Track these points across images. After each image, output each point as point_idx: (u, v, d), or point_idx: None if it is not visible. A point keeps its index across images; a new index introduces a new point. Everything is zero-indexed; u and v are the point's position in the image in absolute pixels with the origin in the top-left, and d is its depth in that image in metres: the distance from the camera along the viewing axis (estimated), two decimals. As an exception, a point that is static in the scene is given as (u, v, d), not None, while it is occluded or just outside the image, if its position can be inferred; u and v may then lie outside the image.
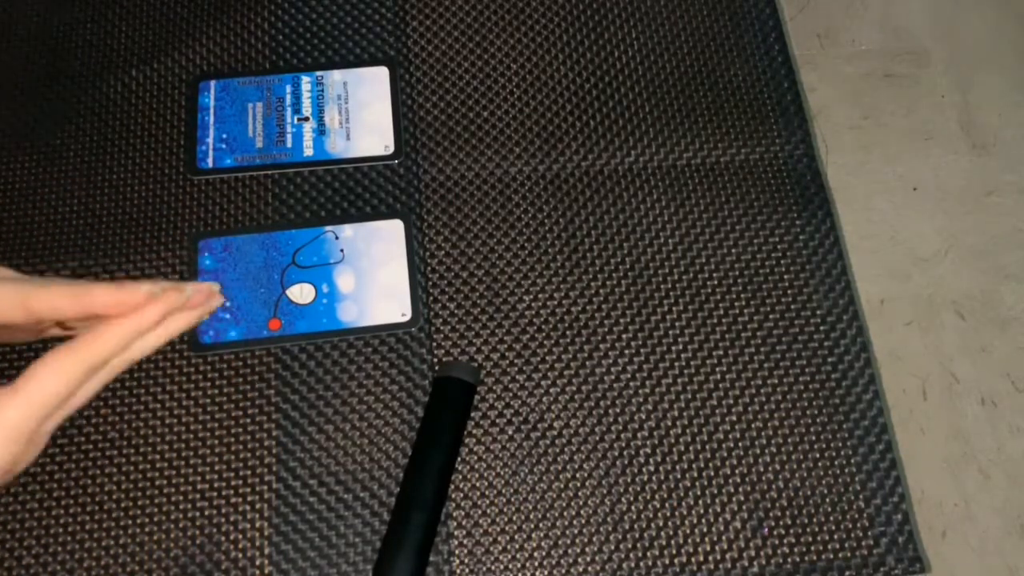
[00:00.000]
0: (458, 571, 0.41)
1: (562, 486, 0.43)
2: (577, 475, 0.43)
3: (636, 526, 0.42)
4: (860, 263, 1.09)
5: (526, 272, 0.47)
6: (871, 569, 0.41)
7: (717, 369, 0.45)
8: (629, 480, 0.43)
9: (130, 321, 0.30)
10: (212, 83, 0.51)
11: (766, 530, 0.42)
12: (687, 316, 0.46)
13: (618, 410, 0.44)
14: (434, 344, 0.45)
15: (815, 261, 0.48)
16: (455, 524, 0.42)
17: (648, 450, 0.43)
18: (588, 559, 0.41)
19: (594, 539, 0.42)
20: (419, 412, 0.44)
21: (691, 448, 0.43)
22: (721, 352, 0.45)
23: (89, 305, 0.31)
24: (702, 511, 0.42)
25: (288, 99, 0.50)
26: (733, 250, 0.48)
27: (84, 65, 0.52)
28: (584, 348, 0.45)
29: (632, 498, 0.42)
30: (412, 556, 0.39)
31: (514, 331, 0.46)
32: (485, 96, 0.51)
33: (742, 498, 0.42)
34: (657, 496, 0.43)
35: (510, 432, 0.44)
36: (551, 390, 0.45)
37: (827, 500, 0.42)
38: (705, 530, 0.42)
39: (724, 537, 0.42)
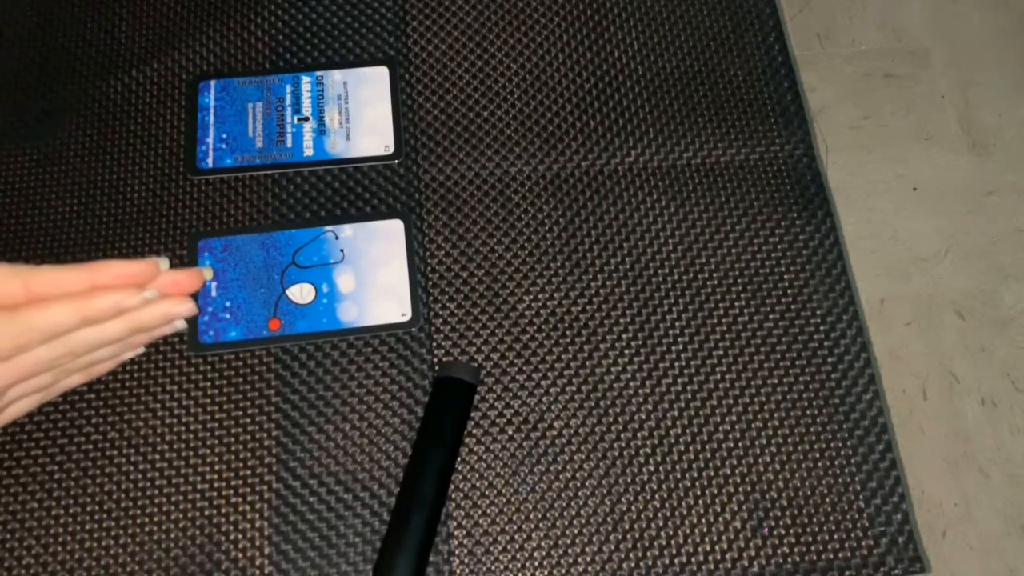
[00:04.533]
0: (458, 571, 0.41)
1: (562, 486, 0.43)
2: (577, 475, 0.43)
3: (636, 526, 0.42)
4: (860, 263, 1.10)
5: (526, 272, 0.47)
6: (871, 569, 0.41)
7: (717, 369, 0.45)
8: (629, 480, 0.43)
9: (72, 300, 0.31)
10: (212, 83, 0.51)
11: (766, 530, 0.42)
12: (687, 316, 0.46)
13: (618, 410, 0.44)
14: (434, 344, 0.45)
15: (815, 261, 0.48)
16: (455, 524, 0.42)
17: (648, 450, 0.43)
18: (588, 559, 0.41)
19: (594, 539, 0.42)
20: (419, 412, 0.44)
21: (691, 448, 0.43)
22: (721, 352, 0.45)
23: (98, 276, 0.31)
24: (702, 511, 0.42)
25: (288, 99, 0.50)
26: (733, 250, 0.48)
27: (84, 65, 0.52)
28: (584, 348, 0.45)
29: (632, 498, 0.42)
30: (412, 556, 0.39)
31: (514, 331, 0.46)
32: (485, 96, 0.52)
33: (742, 498, 0.42)
34: (657, 496, 0.43)
35: (510, 432, 0.44)
36: (551, 390, 0.45)
37: (827, 500, 0.42)
38: (705, 530, 0.42)
39: (724, 537, 0.42)
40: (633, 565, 0.41)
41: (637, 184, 0.49)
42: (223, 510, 0.42)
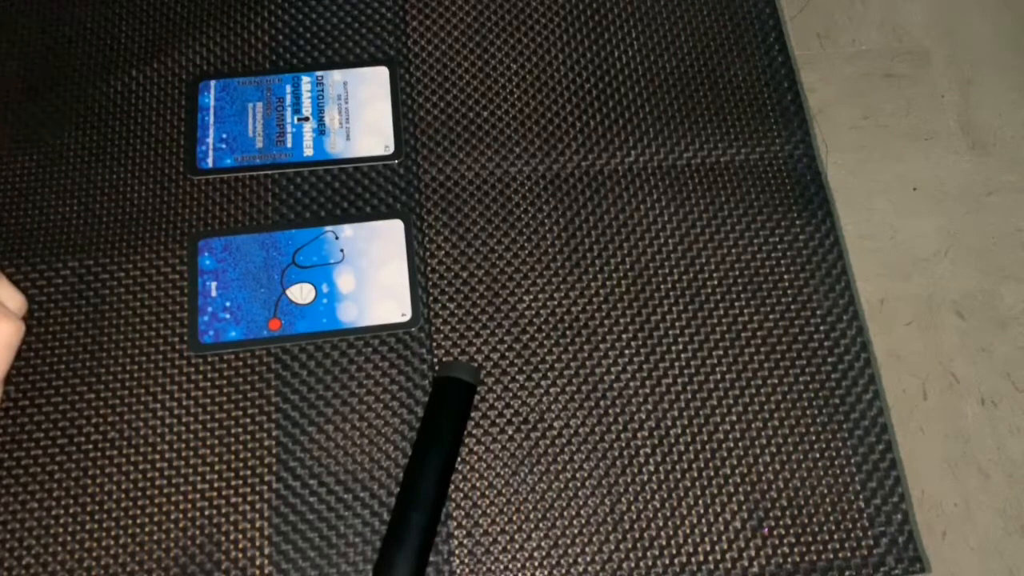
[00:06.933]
0: (458, 571, 0.41)
1: (562, 486, 0.43)
2: (577, 475, 0.43)
3: (636, 526, 0.42)
4: (860, 263, 1.10)
5: (526, 272, 0.47)
6: (871, 569, 0.41)
7: (717, 369, 0.45)
8: (629, 480, 0.43)
9: None
10: (212, 83, 0.51)
11: (766, 530, 0.42)
12: (687, 316, 0.46)
13: (618, 410, 0.44)
14: (434, 344, 0.45)
15: (815, 261, 0.48)
16: (455, 524, 0.42)
17: (648, 450, 0.43)
18: (588, 559, 0.41)
19: (594, 539, 0.42)
20: (419, 412, 0.44)
21: (691, 448, 0.43)
22: (721, 352, 0.45)
23: None
24: (702, 511, 0.42)
25: (288, 99, 0.50)
26: (733, 250, 0.48)
27: (84, 65, 0.52)
28: (584, 348, 0.45)
29: (632, 498, 0.42)
30: (412, 556, 0.39)
31: (514, 331, 0.46)
32: (485, 96, 0.52)
33: (742, 498, 0.42)
34: (657, 496, 0.43)
35: (510, 432, 0.44)
36: (551, 390, 0.45)
37: (827, 500, 0.42)
38: (705, 530, 0.42)
39: (724, 537, 0.42)
40: (633, 565, 0.41)
41: (637, 184, 0.49)
42: (223, 510, 0.42)
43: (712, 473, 0.43)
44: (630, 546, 0.42)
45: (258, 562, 0.41)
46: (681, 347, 0.46)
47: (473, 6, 0.54)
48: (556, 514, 0.42)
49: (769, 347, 0.46)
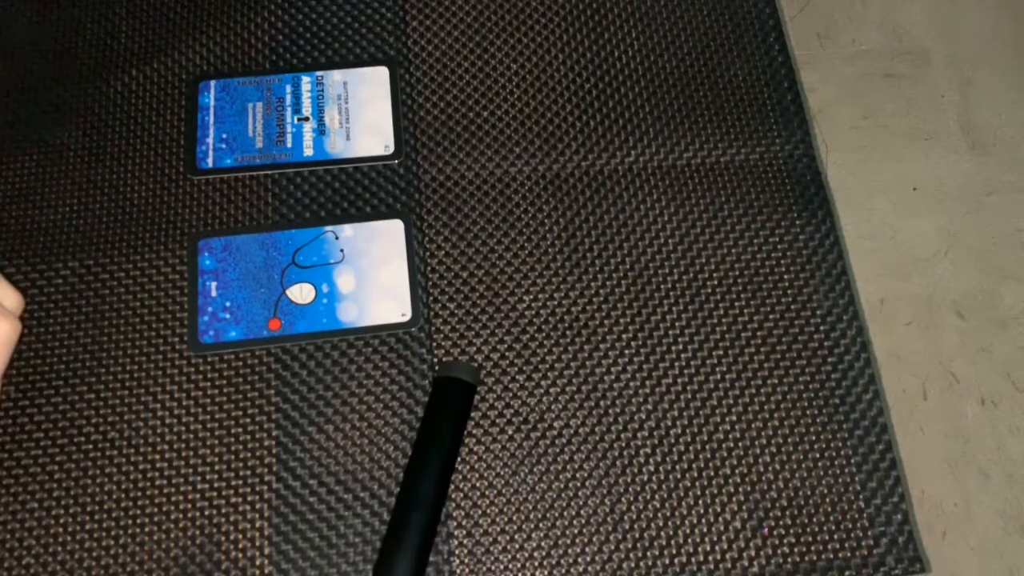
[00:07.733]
0: (458, 571, 0.41)
1: (562, 486, 0.43)
2: (577, 475, 0.43)
3: (636, 526, 0.42)
4: (860, 263, 1.09)
5: (526, 272, 0.47)
6: (871, 569, 0.41)
7: (717, 369, 0.45)
8: (629, 480, 0.43)
9: None
10: (212, 83, 0.51)
11: (766, 530, 0.42)
12: (687, 316, 0.46)
13: (618, 410, 0.44)
14: (434, 344, 0.45)
15: (815, 261, 0.48)
16: (455, 524, 0.42)
17: (648, 450, 0.43)
18: (588, 559, 0.41)
19: (594, 539, 0.42)
20: (419, 412, 0.44)
21: (691, 448, 0.43)
22: (721, 352, 0.45)
23: None
24: (702, 511, 0.42)
25: (288, 99, 0.50)
26: (733, 250, 0.48)
27: (84, 65, 0.52)
28: (584, 348, 0.45)
29: (632, 498, 0.42)
30: (412, 556, 0.39)
31: (514, 331, 0.46)
32: (485, 96, 0.52)
33: (742, 498, 0.42)
34: (657, 496, 0.43)
35: (510, 432, 0.44)
36: (551, 390, 0.45)
37: (827, 500, 0.42)
38: (705, 530, 0.42)
39: (724, 537, 0.42)
40: (633, 565, 0.41)
41: (637, 184, 0.49)
42: (223, 510, 0.42)
43: (712, 473, 0.43)
44: (630, 546, 0.42)
45: (258, 562, 0.41)
46: (681, 347, 0.46)
47: (473, 6, 0.54)
48: (556, 514, 0.42)
49: (769, 347, 0.46)
